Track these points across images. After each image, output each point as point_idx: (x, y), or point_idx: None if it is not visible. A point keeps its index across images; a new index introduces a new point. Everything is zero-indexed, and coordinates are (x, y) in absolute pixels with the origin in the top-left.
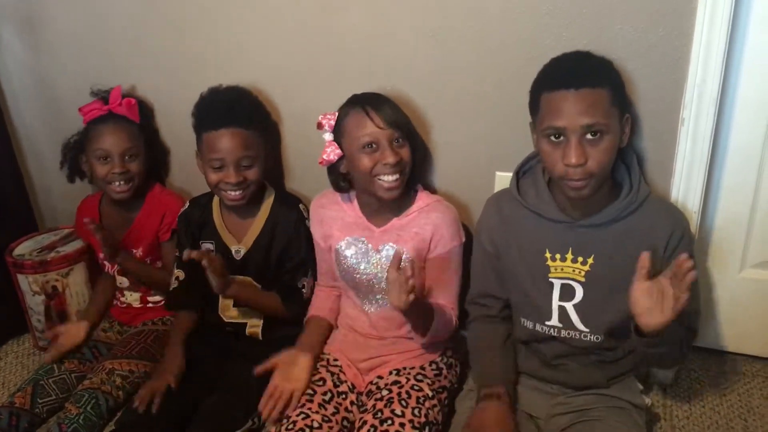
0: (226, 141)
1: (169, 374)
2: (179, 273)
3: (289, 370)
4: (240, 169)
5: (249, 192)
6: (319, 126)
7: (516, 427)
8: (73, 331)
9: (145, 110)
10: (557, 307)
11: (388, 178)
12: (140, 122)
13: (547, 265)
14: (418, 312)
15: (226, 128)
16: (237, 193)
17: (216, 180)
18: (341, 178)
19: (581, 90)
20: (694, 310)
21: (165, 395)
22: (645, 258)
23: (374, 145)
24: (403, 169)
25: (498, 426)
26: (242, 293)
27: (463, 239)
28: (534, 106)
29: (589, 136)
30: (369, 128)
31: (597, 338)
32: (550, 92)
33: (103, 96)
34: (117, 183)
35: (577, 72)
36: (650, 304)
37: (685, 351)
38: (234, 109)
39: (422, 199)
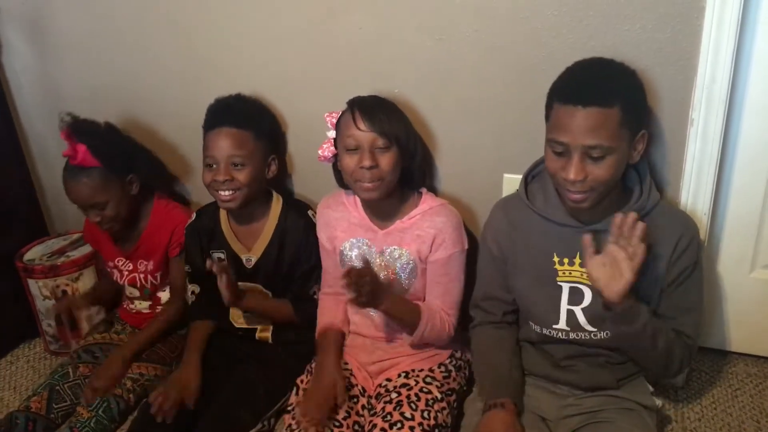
0: (218, 140)
1: (186, 391)
2: (194, 287)
3: (319, 385)
4: (230, 169)
5: (241, 195)
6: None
7: None
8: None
9: (115, 139)
10: (566, 311)
11: (365, 183)
12: (104, 162)
13: (555, 269)
14: (391, 311)
15: (219, 127)
16: (227, 193)
17: (208, 179)
18: (341, 175)
19: (589, 108)
20: (692, 317)
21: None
22: (587, 238)
23: (356, 148)
24: (382, 176)
25: None
26: (253, 305)
27: (466, 246)
28: (547, 111)
29: (591, 154)
30: (352, 130)
31: (606, 335)
32: (560, 104)
33: (67, 124)
34: (101, 226)
35: (590, 88)
36: (607, 273)
37: (682, 360)
38: (228, 109)
39: (426, 201)
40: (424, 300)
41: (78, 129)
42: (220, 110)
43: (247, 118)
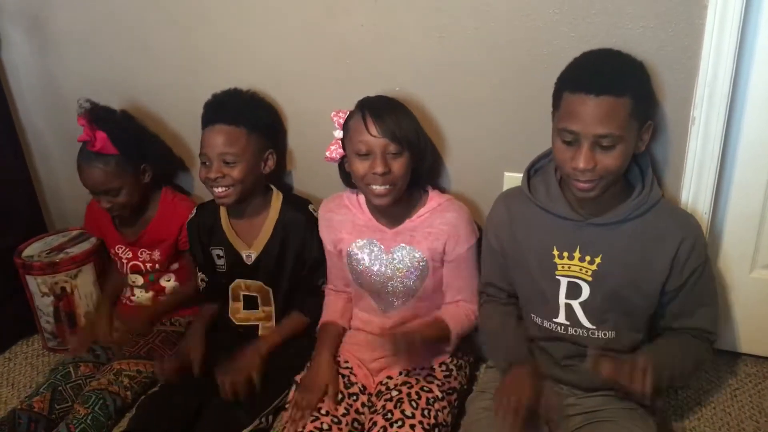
0: (210, 137)
1: (192, 358)
2: (203, 275)
3: (311, 378)
4: (222, 166)
5: (235, 191)
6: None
7: (549, 388)
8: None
9: (131, 127)
10: (564, 305)
11: (378, 187)
12: (122, 150)
13: (554, 262)
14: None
15: (213, 125)
16: (220, 189)
17: (203, 176)
18: (348, 176)
19: (601, 97)
20: (710, 311)
21: (178, 387)
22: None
23: (368, 153)
24: (394, 181)
25: (530, 383)
26: (275, 341)
27: (478, 235)
28: (556, 101)
29: (602, 143)
30: (364, 135)
31: (604, 334)
32: (571, 93)
33: (86, 110)
34: (110, 212)
35: (602, 77)
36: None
37: (706, 360)
38: (222, 106)
39: (434, 199)
40: (436, 298)
41: (97, 116)
42: (213, 107)
43: (241, 114)
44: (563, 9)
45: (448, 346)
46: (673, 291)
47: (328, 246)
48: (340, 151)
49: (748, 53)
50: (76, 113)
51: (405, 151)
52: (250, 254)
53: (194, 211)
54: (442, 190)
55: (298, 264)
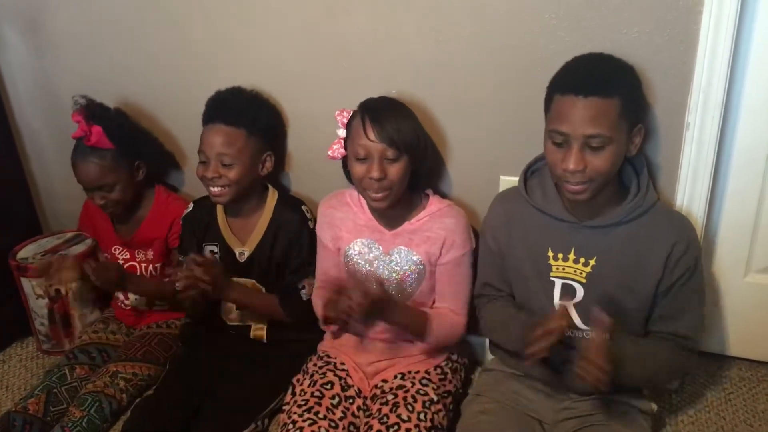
0: (210, 136)
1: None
2: None
3: None
4: (219, 166)
5: (230, 191)
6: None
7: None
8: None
9: (126, 123)
10: (558, 306)
11: (374, 192)
12: (118, 145)
13: (549, 264)
14: (396, 321)
15: (213, 124)
16: (216, 189)
17: (200, 173)
18: (349, 173)
19: (590, 98)
20: (691, 318)
21: (173, 390)
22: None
23: (366, 158)
24: (390, 186)
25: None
26: (242, 297)
27: (474, 245)
28: (547, 104)
29: (591, 144)
30: (362, 139)
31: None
32: (561, 95)
33: (82, 106)
34: (104, 209)
35: (591, 79)
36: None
37: (683, 368)
38: (224, 105)
39: (434, 203)
40: (431, 302)
41: (93, 112)
42: (216, 105)
43: (242, 115)
44: (559, 14)
45: (422, 340)
46: (662, 292)
47: (327, 243)
48: (342, 150)
49: (743, 59)
50: (72, 110)
51: (403, 156)
52: (243, 251)
53: (190, 205)
54: (442, 195)
55: (285, 262)
